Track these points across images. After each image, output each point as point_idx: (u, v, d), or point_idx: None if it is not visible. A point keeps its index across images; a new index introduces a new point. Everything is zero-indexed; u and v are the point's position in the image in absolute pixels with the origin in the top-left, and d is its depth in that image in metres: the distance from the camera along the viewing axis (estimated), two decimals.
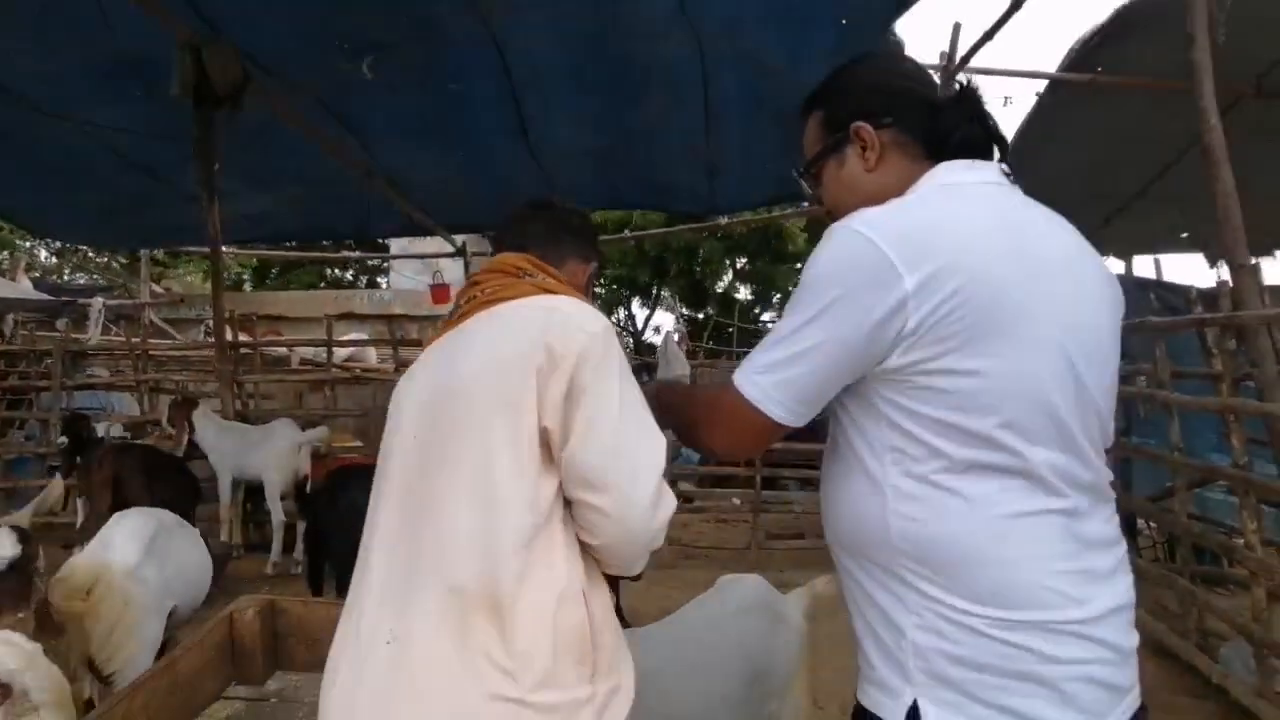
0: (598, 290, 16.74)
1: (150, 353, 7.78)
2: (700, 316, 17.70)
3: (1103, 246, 9.15)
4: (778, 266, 16.27)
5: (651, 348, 17.23)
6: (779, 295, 17.62)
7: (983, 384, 1.00)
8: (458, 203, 6.03)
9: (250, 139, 4.40)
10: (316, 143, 4.61)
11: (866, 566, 1.09)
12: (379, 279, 18.78)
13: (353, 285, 18.93)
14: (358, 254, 14.36)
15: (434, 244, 9.20)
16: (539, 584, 1.11)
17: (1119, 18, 4.45)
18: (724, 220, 7.88)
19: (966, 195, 1.11)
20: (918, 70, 1.27)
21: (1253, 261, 3.19)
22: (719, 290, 17.94)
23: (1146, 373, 4.26)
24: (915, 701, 1.01)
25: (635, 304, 18.98)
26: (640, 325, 19.37)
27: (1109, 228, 7.38)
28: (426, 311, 11.92)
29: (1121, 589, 1.07)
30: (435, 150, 5.03)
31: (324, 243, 14.39)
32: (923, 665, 1.02)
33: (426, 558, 1.15)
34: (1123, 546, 1.10)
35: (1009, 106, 8.13)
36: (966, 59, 4.42)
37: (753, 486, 5.98)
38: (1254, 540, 3.24)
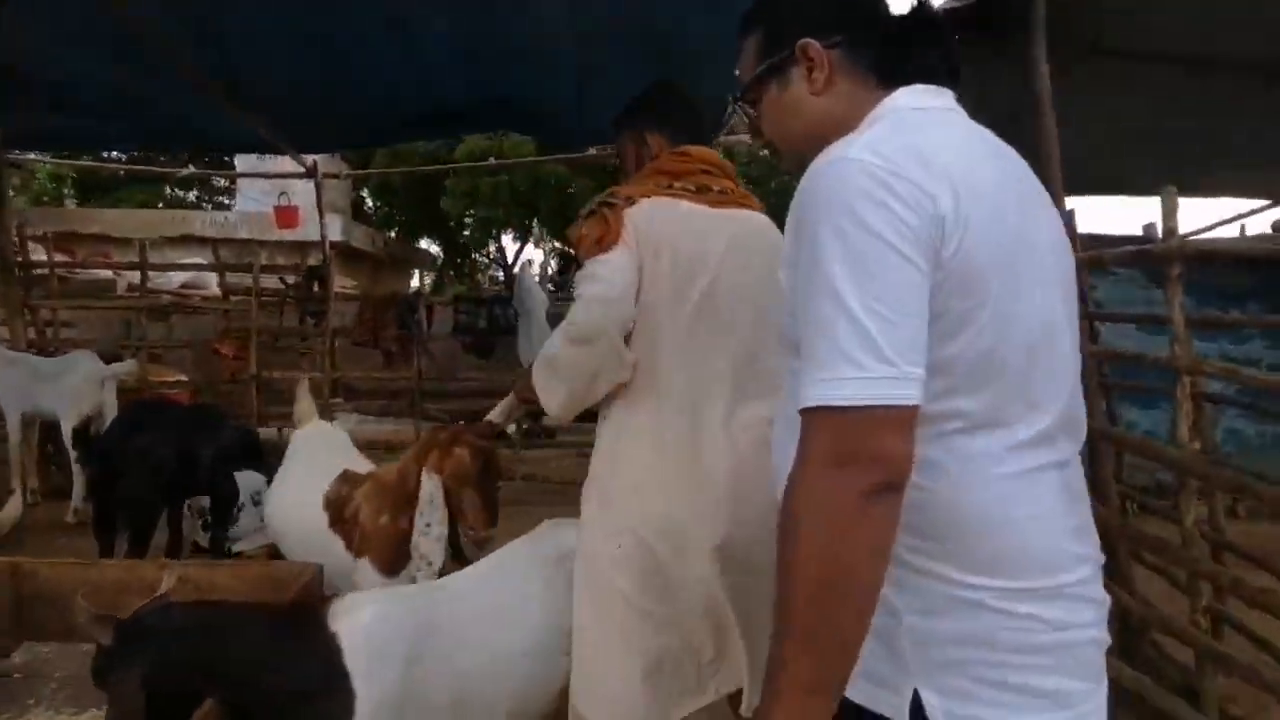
0: (470, 224, 16.24)
1: None
2: (573, 251, 17.52)
3: None
4: None
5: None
6: None
7: (996, 327, 0.90)
8: (312, 118, 5.56)
9: (57, 21, 3.85)
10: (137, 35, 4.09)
11: None
12: (225, 200, 17.42)
13: (195, 206, 17.45)
14: (192, 170, 13.16)
15: (284, 163, 8.56)
16: None
17: None
18: (593, 151, 7.68)
19: (940, 121, 1.02)
20: None
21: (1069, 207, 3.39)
22: None
23: None
24: (916, 692, 0.90)
25: (506, 238, 18.56)
26: (511, 258, 19.00)
27: None
28: (276, 237, 11.18)
29: (1096, 537, 1.01)
30: (288, 53, 4.59)
31: (161, 158, 13.16)
32: (922, 651, 0.91)
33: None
34: (1086, 505, 1.03)
35: None
36: None
37: None
38: None
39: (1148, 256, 2.56)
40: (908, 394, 0.83)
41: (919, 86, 1.05)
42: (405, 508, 2.05)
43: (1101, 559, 1.00)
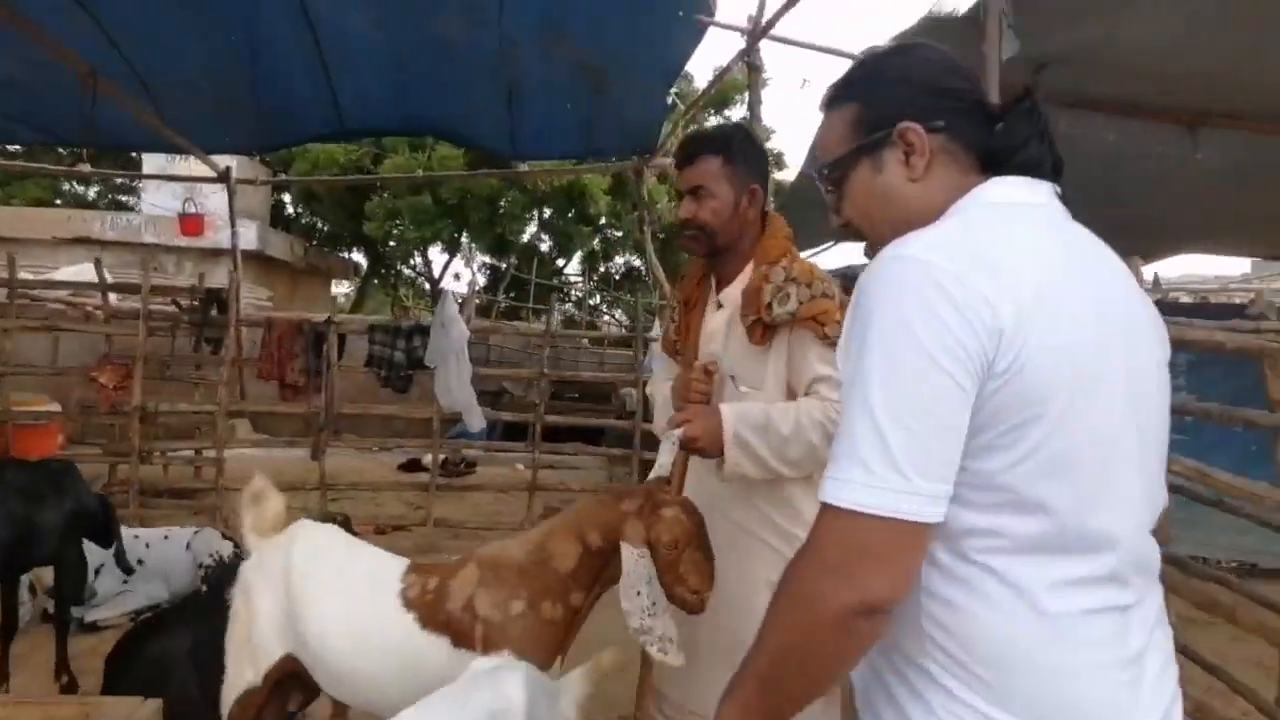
0: (396, 238, 15.63)
1: None
2: (504, 266, 17.07)
3: None
4: (580, 228, 15.96)
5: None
6: (581, 252, 17.37)
7: (1055, 446, 0.85)
8: (224, 118, 5.11)
9: None
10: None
11: (885, 652, 0.93)
12: (129, 200, 16.36)
13: (93, 206, 16.34)
14: (89, 169, 12.25)
15: (198, 165, 7.98)
16: None
17: (930, 20, 4.47)
18: (524, 167, 7.42)
19: (1029, 217, 0.96)
20: (969, 69, 1.11)
21: None
22: (523, 241, 17.37)
23: None
24: None
25: (434, 250, 17.95)
26: (438, 273, 18.41)
27: None
28: (184, 243, 10.48)
29: (1169, 688, 0.93)
30: (198, 46, 4.17)
31: (61, 151, 12.23)
32: None
33: None
34: (1169, 633, 0.97)
35: (805, 89, 8.26)
36: (772, 23, 4.27)
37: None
38: None
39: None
40: (915, 509, 0.82)
41: (1014, 180, 0.99)
42: (554, 592, 1.78)
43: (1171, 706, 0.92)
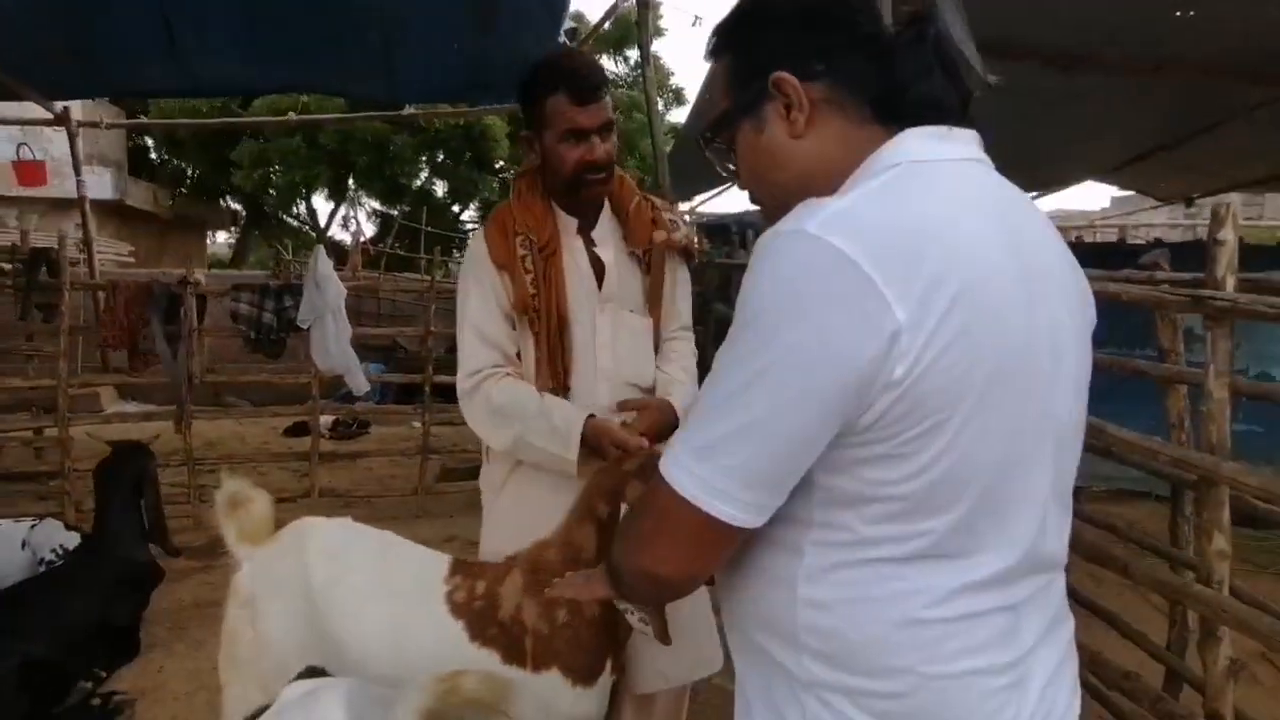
0: (273, 185, 14.52)
1: None
2: (395, 212, 16.24)
3: None
4: (481, 174, 15.27)
5: (335, 245, 15.54)
6: (479, 199, 16.70)
7: (955, 455, 0.77)
8: (59, 62, 4.48)
9: None
10: None
11: (759, 657, 0.89)
12: None
13: None
14: None
15: (35, 107, 7.11)
16: None
17: None
18: (409, 110, 6.94)
19: (949, 180, 0.83)
20: None
21: None
22: (416, 185, 16.51)
23: None
24: None
25: (319, 197, 16.92)
26: (325, 221, 17.41)
27: None
28: (25, 193, 9.45)
29: (1064, 685, 0.88)
30: None
31: None
32: None
33: None
34: (1069, 626, 0.92)
35: (698, 27, 8.01)
36: None
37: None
38: None
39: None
40: (731, 513, 0.79)
41: (926, 131, 0.85)
42: None
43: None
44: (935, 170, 0.83)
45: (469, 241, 2.01)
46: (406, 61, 4.52)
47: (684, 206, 8.39)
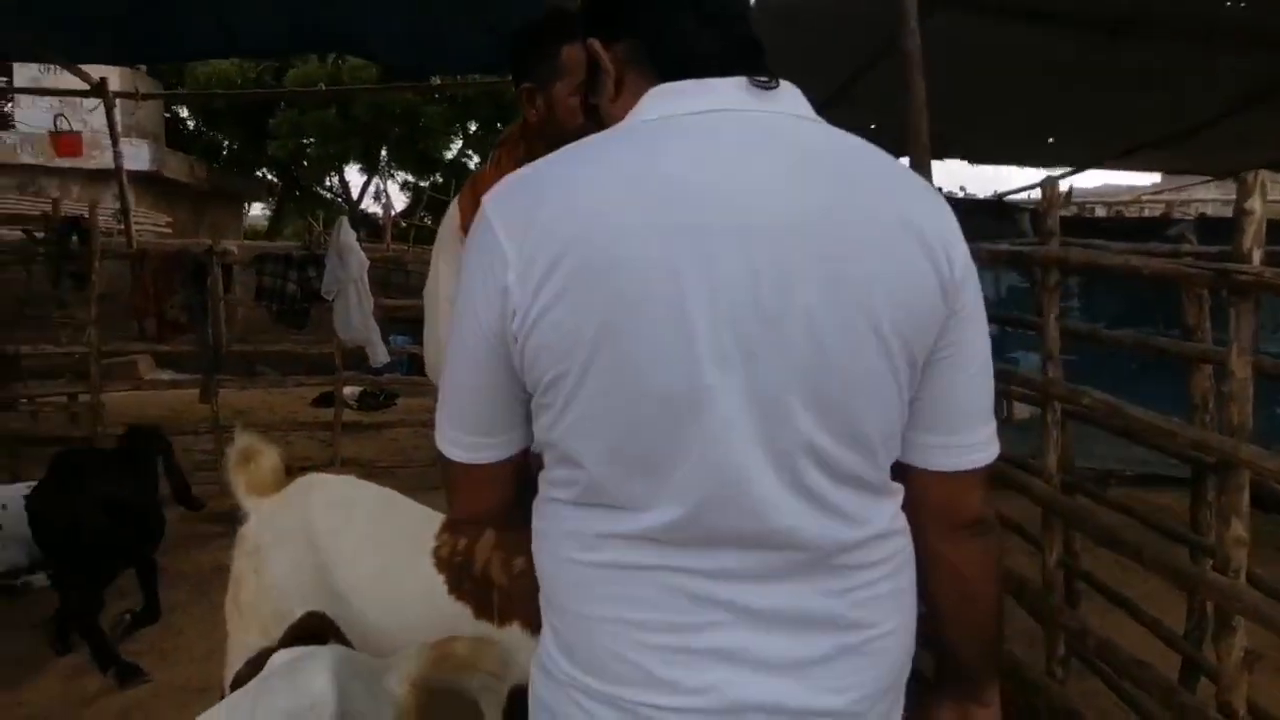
0: (306, 157, 14.57)
1: None
2: (426, 184, 16.26)
3: None
4: None
5: (372, 219, 15.65)
6: None
7: (583, 409, 0.80)
8: (94, 28, 4.52)
9: None
10: None
11: None
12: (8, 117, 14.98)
13: None
14: None
15: (68, 77, 7.23)
16: None
17: None
18: (437, 80, 6.91)
19: (670, 133, 0.81)
20: None
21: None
22: (449, 158, 16.50)
23: None
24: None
25: (351, 170, 17.01)
26: (357, 194, 17.51)
27: None
28: (68, 163, 9.62)
29: (798, 689, 0.82)
30: None
31: None
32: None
33: None
34: (852, 635, 0.84)
35: None
36: None
37: None
38: None
39: (1021, 260, 2.23)
40: (458, 454, 0.90)
41: (674, 86, 0.83)
42: None
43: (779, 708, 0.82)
44: (667, 126, 0.81)
45: (447, 210, 1.86)
46: (439, 27, 4.45)
47: None
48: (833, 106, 5.89)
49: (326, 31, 4.91)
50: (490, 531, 1.69)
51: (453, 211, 1.81)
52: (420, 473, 5.31)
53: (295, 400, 7.33)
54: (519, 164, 1.76)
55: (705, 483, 0.79)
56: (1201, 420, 2.18)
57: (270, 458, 1.98)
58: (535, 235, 0.77)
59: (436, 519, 1.82)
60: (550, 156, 0.85)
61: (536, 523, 0.91)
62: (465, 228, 1.73)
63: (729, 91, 0.82)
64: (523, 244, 0.78)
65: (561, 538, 0.86)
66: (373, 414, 6.90)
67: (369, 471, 5.27)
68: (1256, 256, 1.65)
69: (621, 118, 0.87)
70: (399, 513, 1.90)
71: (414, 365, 7.80)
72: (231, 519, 4.45)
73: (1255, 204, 1.65)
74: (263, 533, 1.87)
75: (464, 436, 0.89)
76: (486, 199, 0.83)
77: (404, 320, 8.74)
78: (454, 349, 0.86)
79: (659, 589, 0.81)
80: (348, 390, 5.53)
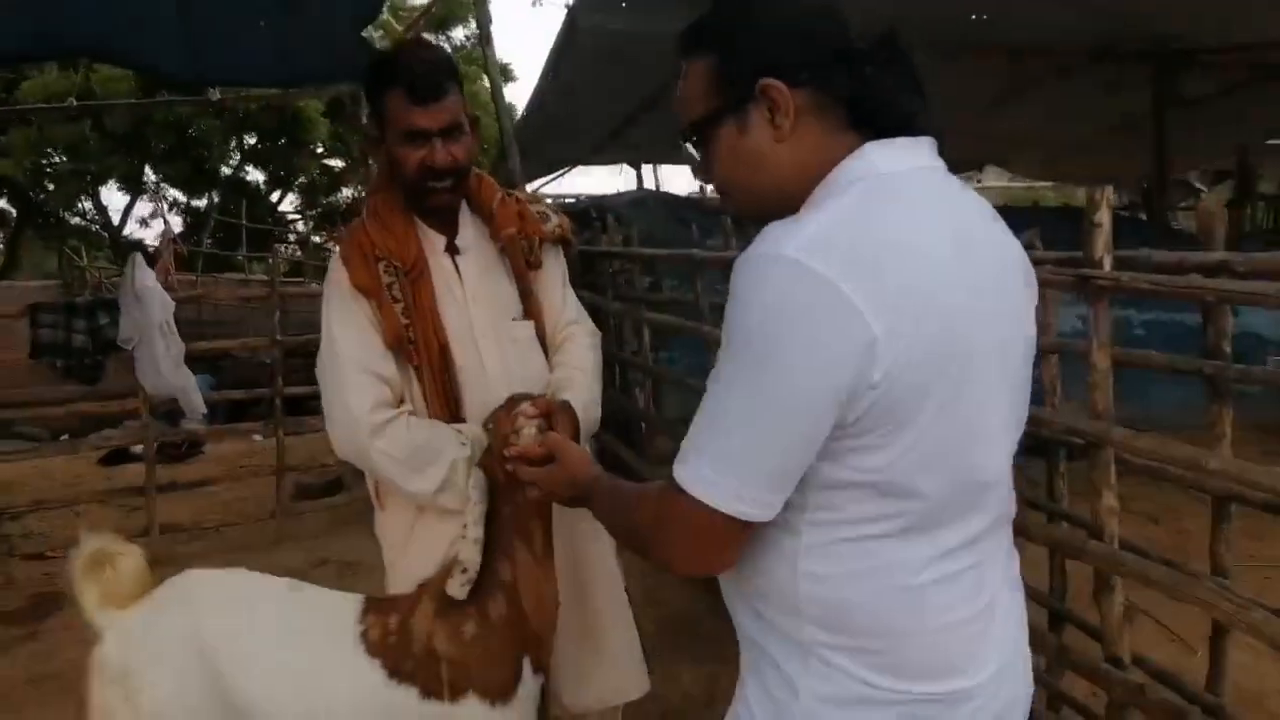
0: (51, 178, 12.71)
1: None
2: (203, 204, 14.79)
3: (613, 154, 9.69)
4: (298, 152, 14.18)
5: (137, 246, 13.94)
6: (300, 180, 15.53)
7: (925, 445, 0.89)
8: None
9: None
10: None
11: (763, 629, 1.00)
12: None
13: None
14: None
15: None
16: None
17: None
18: (216, 95, 6.32)
19: (911, 191, 0.92)
20: (833, 8, 1.00)
21: None
22: (226, 174, 15.06)
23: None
24: None
25: (109, 190, 15.06)
26: (119, 219, 15.56)
27: (619, 138, 7.68)
28: None
29: (1014, 618, 1.04)
30: None
31: None
32: None
33: None
34: (1016, 560, 1.07)
35: (539, 8, 7.89)
36: None
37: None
38: None
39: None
40: (743, 510, 0.89)
41: (895, 142, 0.93)
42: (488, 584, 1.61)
43: (1012, 657, 1.03)
44: (898, 182, 0.91)
45: (328, 267, 1.76)
46: (209, 36, 4.05)
47: (530, 188, 8.22)
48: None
49: (73, 37, 4.34)
50: (427, 601, 1.62)
51: (337, 267, 1.68)
52: (254, 528, 4.79)
53: (77, 464, 6.39)
54: (401, 212, 1.67)
55: (992, 489, 0.98)
56: (1052, 404, 2.44)
57: (131, 560, 1.70)
58: (891, 292, 0.83)
59: (353, 602, 1.67)
60: (848, 207, 0.88)
61: (849, 564, 0.92)
62: (357, 285, 1.63)
63: (929, 148, 0.95)
64: (880, 299, 0.83)
65: (891, 570, 0.91)
66: (179, 467, 6.16)
67: (193, 535, 4.71)
68: (1107, 262, 1.87)
69: (788, 159, 0.95)
70: (307, 603, 1.72)
71: (218, 412, 7.03)
72: (33, 616, 3.85)
73: (1103, 217, 1.87)
74: (130, 652, 1.61)
75: (766, 495, 0.89)
76: (804, 257, 0.84)
77: (200, 360, 7.84)
78: (788, 411, 0.85)
79: (971, 585, 0.96)
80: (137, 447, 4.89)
